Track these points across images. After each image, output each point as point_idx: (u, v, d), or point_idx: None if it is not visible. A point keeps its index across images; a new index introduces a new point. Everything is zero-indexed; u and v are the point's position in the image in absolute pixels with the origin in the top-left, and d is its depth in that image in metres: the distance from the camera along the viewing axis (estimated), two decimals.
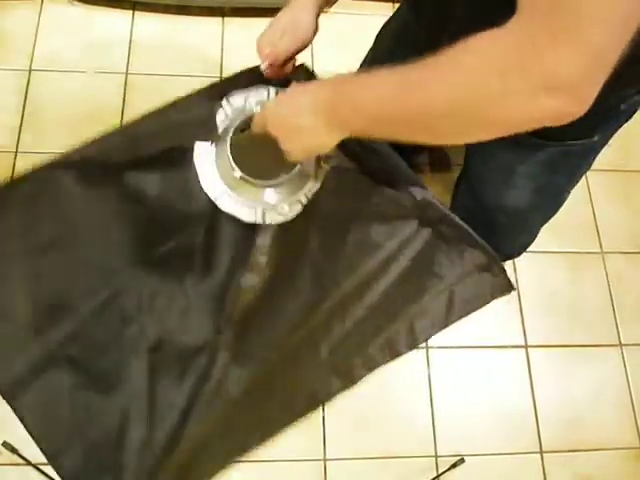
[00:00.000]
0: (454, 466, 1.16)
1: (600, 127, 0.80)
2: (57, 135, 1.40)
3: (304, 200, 0.87)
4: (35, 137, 1.40)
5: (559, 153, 0.84)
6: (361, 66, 1.11)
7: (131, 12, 1.57)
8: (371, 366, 0.94)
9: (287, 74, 0.87)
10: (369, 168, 0.90)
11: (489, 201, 0.98)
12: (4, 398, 0.85)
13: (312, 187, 0.88)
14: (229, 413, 0.86)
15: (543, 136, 0.80)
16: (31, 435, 0.84)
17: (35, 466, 1.04)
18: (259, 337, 0.85)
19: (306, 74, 0.93)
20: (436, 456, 1.20)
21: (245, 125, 0.82)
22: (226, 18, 1.60)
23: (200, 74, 1.52)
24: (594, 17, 0.43)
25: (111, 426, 0.84)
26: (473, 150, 0.98)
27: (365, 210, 0.90)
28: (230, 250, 0.85)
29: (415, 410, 1.23)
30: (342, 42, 1.54)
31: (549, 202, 0.98)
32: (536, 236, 1.11)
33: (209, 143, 0.86)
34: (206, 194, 0.85)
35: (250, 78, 0.89)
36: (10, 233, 0.87)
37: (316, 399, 0.93)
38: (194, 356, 0.85)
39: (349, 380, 0.93)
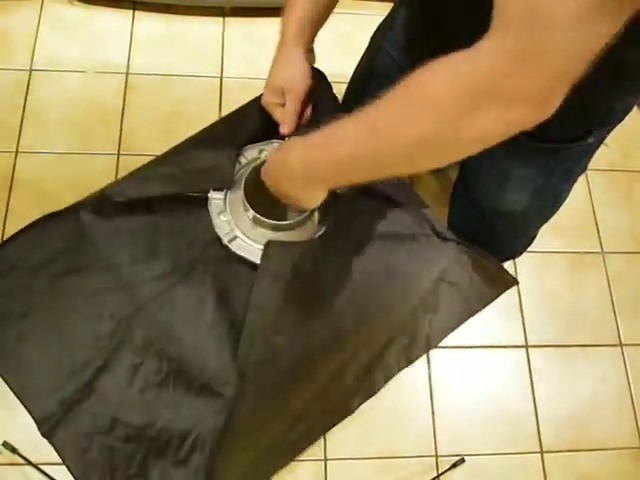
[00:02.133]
0: (454, 466, 1.16)
1: (595, 130, 0.80)
2: (57, 135, 1.41)
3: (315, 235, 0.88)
4: (35, 137, 1.40)
5: (555, 156, 0.84)
6: (357, 66, 1.12)
7: (131, 12, 1.57)
8: (389, 376, 0.94)
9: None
10: (372, 192, 0.91)
11: (486, 204, 0.98)
12: (43, 436, 0.85)
13: (322, 220, 0.89)
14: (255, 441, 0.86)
15: (538, 139, 0.80)
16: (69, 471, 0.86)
17: (35, 466, 1.04)
18: (282, 372, 0.84)
19: (319, 78, 0.94)
20: (436, 456, 1.20)
21: (258, 170, 0.83)
22: (226, 18, 1.60)
23: (200, 74, 1.52)
24: (558, 42, 0.47)
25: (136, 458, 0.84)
26: None
27: (379, 234, 0.91)
28: (247, 291, 0.84)
29: (415, 410, 1.23)
30: (342, 42, 1.54)
31: (547, 204, 0.98)
32: (535, 237, 1.11)
33: (223, 191, 0.88)
34: (218, 239, 0.86)
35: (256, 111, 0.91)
36: (42, 270, 0.88)
37: (338, 417, 0.93)
38: (215, 393, 0.84)
39: (370, 394, 0.94)
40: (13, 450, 1.05)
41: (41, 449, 1.07)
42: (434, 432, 1.22)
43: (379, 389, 0.95)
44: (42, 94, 1.45)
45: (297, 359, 0.84)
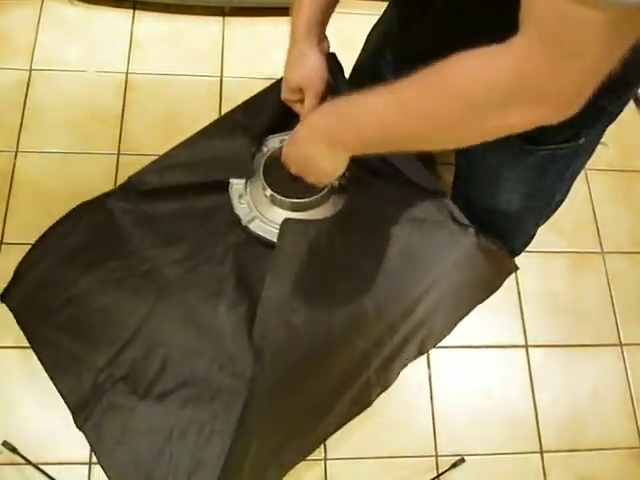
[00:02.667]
0: (454, 466, 1.16)
1: (586, 130, 0.80)
2: (57, 135, 1.41)
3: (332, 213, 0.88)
4: (35, 137, 1.40)
5: (545, 157, 0.84)
6: (354, 66, 1.12)
7: (131, 11, 1.57)
8: (405, 364, 0.95)
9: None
10: (391, 174, 0.91)
11: (481, 204, 0.99)
12: (79, 428, 0.86)
13: (339, 201, 0.89)
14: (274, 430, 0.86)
15: (527, 140, 0.80)
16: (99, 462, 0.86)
17: (35, 466, 1.04)
18: (301, 352, 0.84)
19: (334, 63, 0.94)
20: (436, 456, 1.20)
21: (277, 153, 0.85)
22: (226, 18, 1.60)
23: (200, 74, 1.52)
24: (590, 46, 0.49)
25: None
26: (461, 153, 0.99)
27: (397, 217, 0.91)
28: (265, 272, 0.84)
29: (415, 410, 1.24)
30: (343, 41, 1.54)
31: (541, 205, 0.99)
32: (534, 235, 1.11)
33: (244, 179, 0.90)
34: (238, 222, 0.88)
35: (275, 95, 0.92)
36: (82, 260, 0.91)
37: (358, 408, 0.93)
38: (234, 374, 0.84)
39: (387, 386, 0.94)
40: (13, 450, 1.04)
41: (41, 449, 1.07)
42: (434, 432, 1.22)
43: (393, 381, 0.95)
44: (42, 94, 1.45)
45: (316, 340, 0.84)
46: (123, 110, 1.45)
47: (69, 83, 1.47)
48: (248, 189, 0.89)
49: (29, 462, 1.04)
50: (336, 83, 0.92)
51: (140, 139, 1.42)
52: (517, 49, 0.52)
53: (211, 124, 0.99)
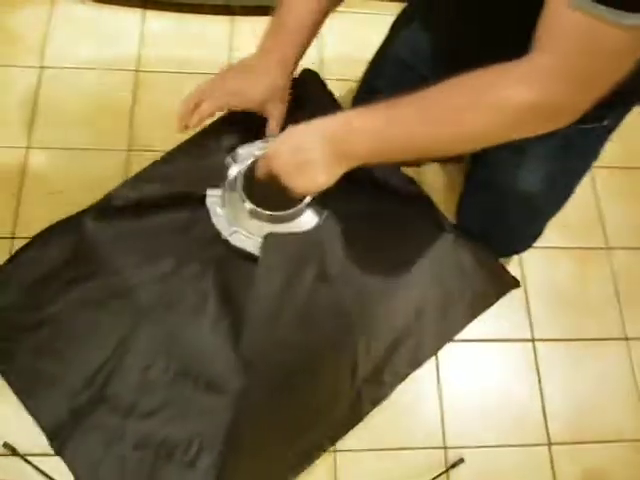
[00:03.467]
0: (453, 466, 1.17)
1: (612, 112, 0.81)
2: (68, 131, 1.42)
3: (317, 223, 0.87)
4: (46, 133, 1.41)
5: (571, 136, 0.84)
6: (372, 62, 1.12)
7: (141, 10, 1.59)
8: (398, 378, 0.93)
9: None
10: (371, 181, 0.91)
11: (501, 185, 0.97)
12: (56, 452, 0.86)
13: (319, 212, 0.88)
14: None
15: None
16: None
17: (36, 467, 1.03)
18: (289, 364, 0.84)
19: (313, 79, 0.94)
20: (445, 448, 1.21)
21: (254, 165, 0.83)
22: (235, 17, 1.61)
23: (209, 71, 1.53)
24: (614, 64, 0.54)
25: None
26: None
27: (378, 224, 0.90)
28: (249, 285, 0.84)
29: (423, 403, 1.24)
30: (347, 41, 1.55)
31: (560, 189, 0.99)
32: (543, 229, 1.12)
33: (220, 190, 0.89)
34: (218, 235, 0.86)
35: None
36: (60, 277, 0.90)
37: (348, 424, 0.91)
38: (221, 390, 0.84)
39: (379, 398, 0.93)
40: (14, 451, 1.03)
41: (42, 451, 1.06)
42: (442, 424, 1.23)
43: (386, 396, 0.94)
44: (53, 91, 1.46)
45: (304, 350, 0.84)
46: (133, 107, 1.46)
47: (79, 80, 1.48)
48: (226, 200, 0.88)
49: (30, 464, 1.03)
50: (317, 99, 0.93)
51: (150, 136, 1.43)
52: (543, 68, 0.55)
53: (188, 139, 0.98)
